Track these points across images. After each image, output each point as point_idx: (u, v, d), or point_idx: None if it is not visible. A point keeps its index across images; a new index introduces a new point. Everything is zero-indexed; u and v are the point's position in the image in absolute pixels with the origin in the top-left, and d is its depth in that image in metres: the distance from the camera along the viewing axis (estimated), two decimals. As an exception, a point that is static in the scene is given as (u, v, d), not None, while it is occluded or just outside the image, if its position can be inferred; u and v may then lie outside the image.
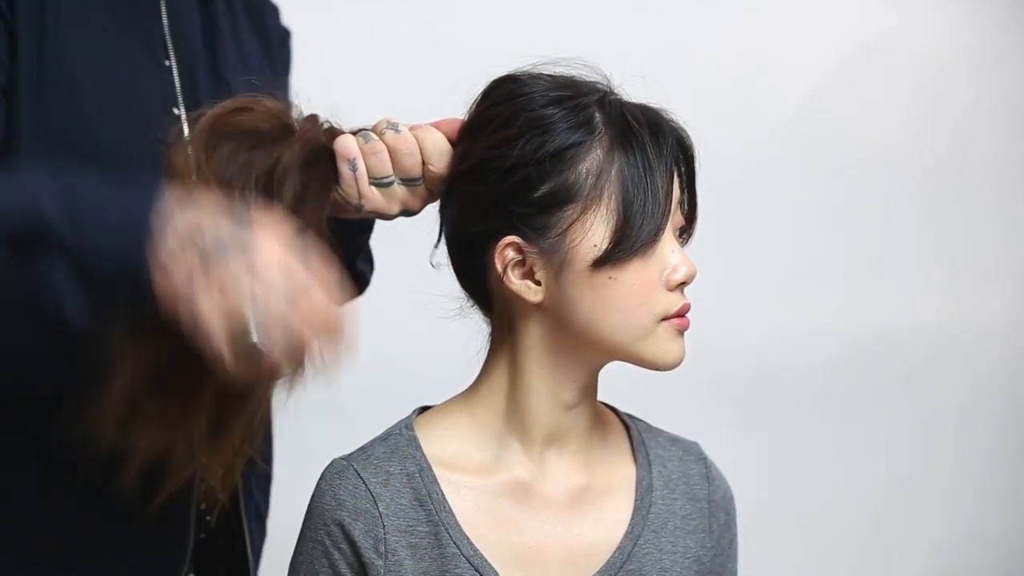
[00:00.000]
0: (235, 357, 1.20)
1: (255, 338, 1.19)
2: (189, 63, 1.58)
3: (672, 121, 1.38)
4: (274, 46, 1.74)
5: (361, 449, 1.40)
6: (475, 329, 1.44)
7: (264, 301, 1.19)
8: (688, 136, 1.38)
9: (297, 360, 1.22)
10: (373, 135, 1.39)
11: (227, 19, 1.66)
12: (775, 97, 2.54)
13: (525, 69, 1.40)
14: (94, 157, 1.41)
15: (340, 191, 1.39)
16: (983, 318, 2.69)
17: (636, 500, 1.42)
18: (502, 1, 2.37)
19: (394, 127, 1.40)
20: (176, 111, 1.55)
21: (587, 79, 1.39)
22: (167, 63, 1.57)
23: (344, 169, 1.39)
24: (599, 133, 1.34)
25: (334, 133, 1.41)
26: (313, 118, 1.41)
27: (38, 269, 1.21)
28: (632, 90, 1.40)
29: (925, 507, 2.70)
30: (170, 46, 1.58)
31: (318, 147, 1.39)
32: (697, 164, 1.39)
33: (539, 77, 1.38)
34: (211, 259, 1.19)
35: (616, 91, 1.39)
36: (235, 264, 1.19)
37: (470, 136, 1.40)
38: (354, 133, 1.40)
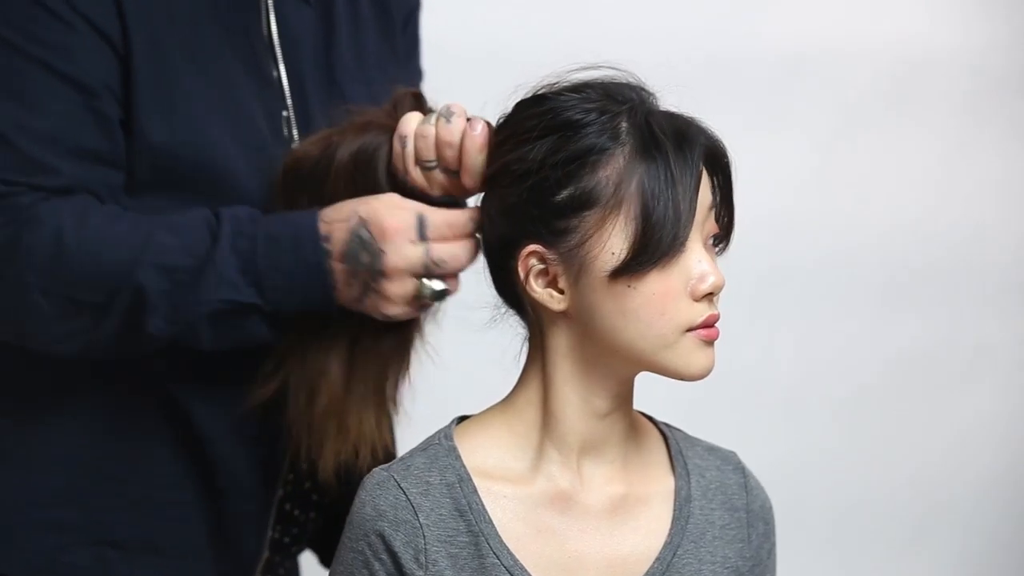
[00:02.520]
0: (422, 309, 1.49)
1: (431, 290, 1.47)
2: (298, 73, 1.60)
3: (705, 130, 1.37)
4: (397, 27, 1.73)
5: (401, 459, 1.40)
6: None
7: (422, 260, 1.45)
8: (722, 145, 1.38)
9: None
10: (433, 119, 1.45)
11: (346, 11, 1.65)
12: (812, 110, 2.54)
13: (560, 75, 1.41)
14: (203, 183, 1.51)
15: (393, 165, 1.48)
16: (1018, 333, 2.68)
17: (675, 510, 1.42)
18: (538, 6, 2.37)
19: (448, 116, 1.44)
20: (285, 129, 1.59)
21: (623, 88, 1.39)
22: (274, 74, 1.59)
23: (396, 144, 1.46)
24: (623, 141, 1.34)
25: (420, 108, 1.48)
26: (411, 96, 1.50)
27: (237, 327, 1.48)
28: (669, 98, 1.40)
29: (959, 520, 2.70)
30: (279, 56, 1.60)
31: (379, 122, 1.48)
32: (733, 173, 1.39)
33: (573, 87, 1.39)
34: (369, 273, 1.45)
35: (651, 100, 1.39)
36: (389, 263, 1.44)
37: (499, 142, 1.42)
38: (428, 112, 1.47)
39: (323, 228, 1.46)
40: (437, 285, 1.47)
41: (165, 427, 1.57)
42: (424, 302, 1.48)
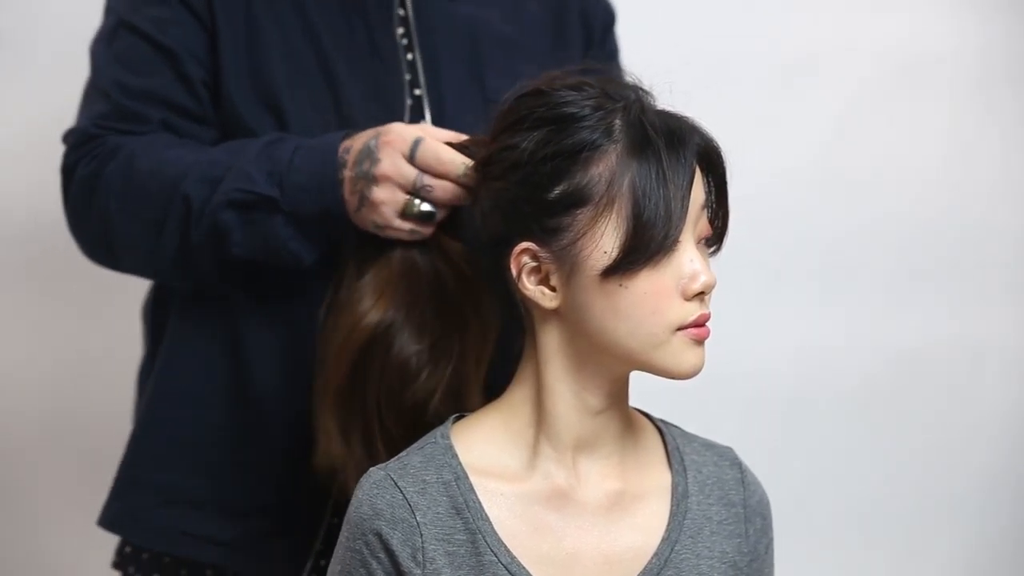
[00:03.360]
0: (414, 227, 1.50)
1: (419, 208, 1.49)
2: (434, 58, 1.66)
3: (698, 130, 1.37)
4: (595, 41, 1.78)
5: (398, 458, 1.40)
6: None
7: (410, 176, 1.48)
8: (716, 145, 1.38)
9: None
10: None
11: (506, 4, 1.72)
12: (813, 108, 2.54)
13: (557, 75, 1.42)
14: None
15: None
16: (1015, 334, 2.67)
17: (672, 506, 1.42)
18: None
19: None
20: (410, 111, 1.65)
21: (621, 86, 1.39)
22: (406, 57, 1.65)
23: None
24: (616, 139, 1.34)
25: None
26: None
27: (263, 224, 1.54)
28: (666, 99, 1.40)
29: (961, 521, 2.69)
30: (414, 40, 1.66)
31: None
32: (728, 174, 1.39)
33: (572, 84, 1.39)
34: (364, 178, 1.50)
35: (647, 98, 1.39)
36: (380, 169, 1.49)
37: (495, 132, 1.42)
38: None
39: (347, 141, 1.53)
40: (424, 206, 1.49)
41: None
42: (411, 219, 1.49)
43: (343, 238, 1.54)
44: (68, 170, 1.65)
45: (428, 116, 1.65)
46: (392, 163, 1.49)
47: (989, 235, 2.64)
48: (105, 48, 1.66)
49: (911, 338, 2.61)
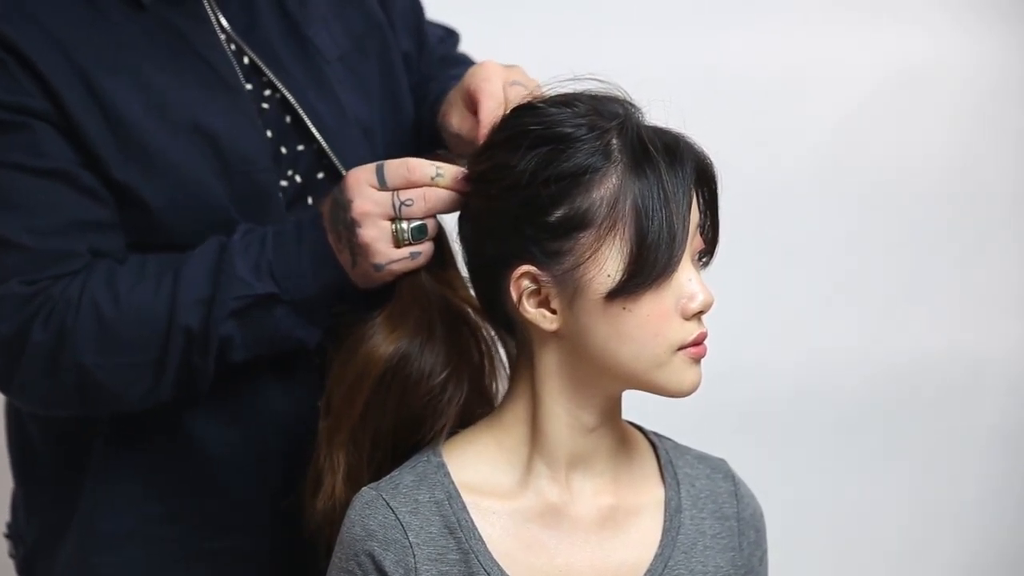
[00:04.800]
0: (413, 249, 1.46)
1: (409, 227, 1.45)
2: (270, 51, 1.60)
3: (692, 146, 1.36)
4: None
5: (390, 477, 1.40)
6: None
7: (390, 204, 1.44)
8: (710, 160, 1.37)
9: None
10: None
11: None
12: (810, 119, 2.53)
13: (547, 89, 1.41)
14: (192, 217, 1.53)
15: None
16: (1018, 342, 2.67)
17: (665, 521, 1.42)
18: (528, 22, 2.38)
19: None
20: (276, 111, 1.59)
21: (609, 102, 1.38)
22: (244, 62, 1.59)
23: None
24: (615, 160, 1.33)
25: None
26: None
27: (265, 322, 1.50)
28: (657, 114, 1.39)
29: (959, 531, 2.69)
30: (243, 45, 1.59)
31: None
32: (720, 189, 1.38)
33: (560, 101, 1.38)
34: (345, 228, 1.46)
35: (637, 114, 1.38)
36: (356, 209, 1.45)
37: (488, 144, 1.40)
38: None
39: (321, 210, 1.49)
40: (413, 223, 1.45)
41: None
42: (406, 243, 1.45)
43: (348, 308, 1.50)
44: (11, 339, 1.49)
45: (293, 100, 1.58)
46: (364, 197, 1.44)
47: (990, 246, 2.64)
48: None
49: (909, 348, 2.61)
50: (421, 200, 1.44)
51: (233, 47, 1.58)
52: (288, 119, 1.59)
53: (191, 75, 1.54)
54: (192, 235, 1.52)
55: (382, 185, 1.45)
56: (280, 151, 1.58)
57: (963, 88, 2.58)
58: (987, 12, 2.58)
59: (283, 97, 1.59)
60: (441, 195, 1.44)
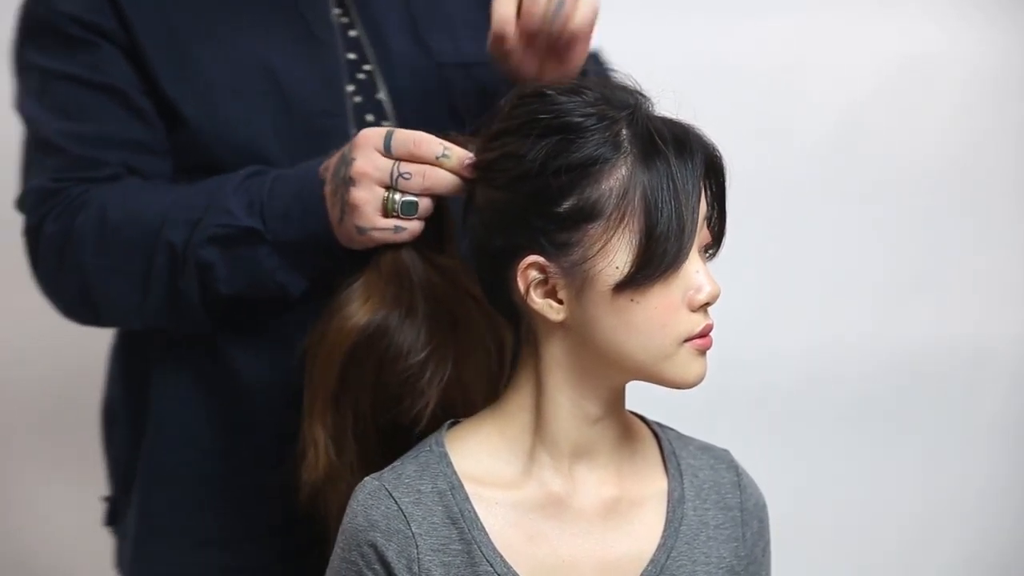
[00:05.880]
0: (399, 223, 1.44)
1: (400, 200, 1.43)
2: (377, 29, 1.63)
3: (702, 138, 1.35)
4: None
5: (392, 467, 1.40)
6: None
7: (387, 170, 1.43)
8: (718, 152, 1.36)
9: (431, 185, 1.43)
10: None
11: None
12: (816, 110, 2.53)
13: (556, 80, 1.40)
14: (234, 159, 1.57)
15: None
16: (1020, 333, 2.67)
17: (668, 512, 1.42)
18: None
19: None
20: (357, 85, 1.63)
21: (619, 91, 1.37)
22: (349, 34, 1.63)
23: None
24: (625, 151, 1.32)
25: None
26: None
27: (248, 258, 1.51)
28: (665, 105, 1.38)
29: (961, 522, 2.69)
30: (355, 14, 1.63)
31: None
32: (728, 181, 1.37)
33: (569, 89, 1.37)
34: (342, 183, 1.45)
35: (647, 104, 1.37)
36: (356, 168, 1.44)
37: (496, 132, 1.39)
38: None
39: (326, 161, 1.49)
40: (406, 197, 1.43)
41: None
42: (394, 214, 1.44)
43: (333, 265, 1.50)
44: (33, 230, 1.59)
45: (384, 91, 1.62)
46: (367, 159, 1.44)
47: (992, 237, 2.64)
48: (38, 104, 1.61)
49: (913, 339, 2.61)
50: (420, 176, 1.43)
51: (345, 19, 1.63)
52: (380, 96, 1.62)
53: (281, 28, 1.60)
54: (233, 167, 1.56)
55: (387, 151, 1.44)
56: (364, 119, 1.61)
57: (967, 79, 2.58)
58: (991, 4, 2.58)
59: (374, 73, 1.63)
60: (442, 176, 1.43)
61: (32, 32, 1.61)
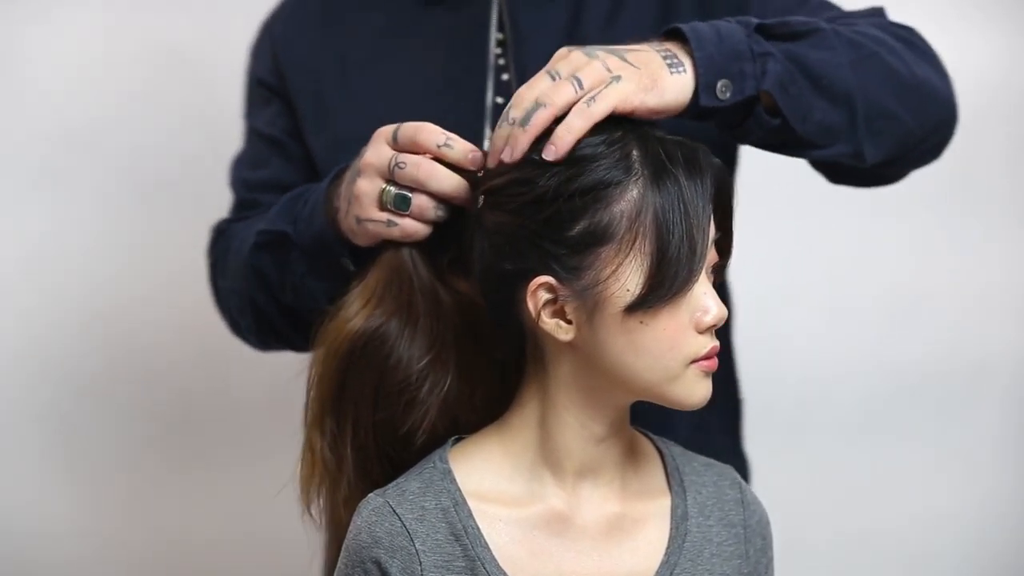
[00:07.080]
0: (391, 217, 1.42)
1: (393, 192, 1.42)
2: (525, 74, 1.54)
3: (710, 158, 1.35)
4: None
5: (396, 484, 1.40)
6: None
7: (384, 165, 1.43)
8: (726, 173, 1.36)
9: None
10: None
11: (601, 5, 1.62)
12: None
13: None
14: None
15: None
16: (1022, 348, 2.67)
17: (672, 529, 1.42)
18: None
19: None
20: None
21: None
22: (483, 83, 1.62)
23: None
24: (636, 173, 1.32)
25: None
26: None
27: (287, 261, 1.58)
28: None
29: (963, 534, 2.69)
30: (510, 58, 1.62)
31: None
32: (735, 200, 1.38)
33: None
34: (353, 174, 1.46)
35: (654, 123, 1.37)
36: (364, 159, 1.45)
37: (501, 167, 1.37)
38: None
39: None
40: (397, 190, 1.41)
41: None
42: (388, 208, 1.41)
43: (350, 276, 1.47)
44: (208, 265, 1.79)
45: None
46: (374, 150, 1.43)
47: (994, 253, 2.64)
48: (240, 154, 1.80)
49: (916, 354, 2.61)
50: (414, 167, 1.40)
51: (502, 61, 1.61)
52: None
53: (432, 69, 1.63)
54: None
55: (393, 142, 1.42)
56: None
57: (972, 89, 2.57)
58: (992, 5, 2.57)
59: None
60: (436, 170, 1.40)
61: (246, 92, 1.81)
